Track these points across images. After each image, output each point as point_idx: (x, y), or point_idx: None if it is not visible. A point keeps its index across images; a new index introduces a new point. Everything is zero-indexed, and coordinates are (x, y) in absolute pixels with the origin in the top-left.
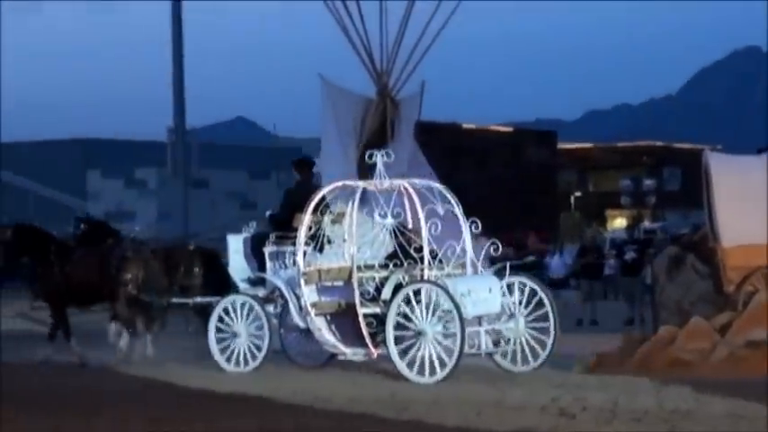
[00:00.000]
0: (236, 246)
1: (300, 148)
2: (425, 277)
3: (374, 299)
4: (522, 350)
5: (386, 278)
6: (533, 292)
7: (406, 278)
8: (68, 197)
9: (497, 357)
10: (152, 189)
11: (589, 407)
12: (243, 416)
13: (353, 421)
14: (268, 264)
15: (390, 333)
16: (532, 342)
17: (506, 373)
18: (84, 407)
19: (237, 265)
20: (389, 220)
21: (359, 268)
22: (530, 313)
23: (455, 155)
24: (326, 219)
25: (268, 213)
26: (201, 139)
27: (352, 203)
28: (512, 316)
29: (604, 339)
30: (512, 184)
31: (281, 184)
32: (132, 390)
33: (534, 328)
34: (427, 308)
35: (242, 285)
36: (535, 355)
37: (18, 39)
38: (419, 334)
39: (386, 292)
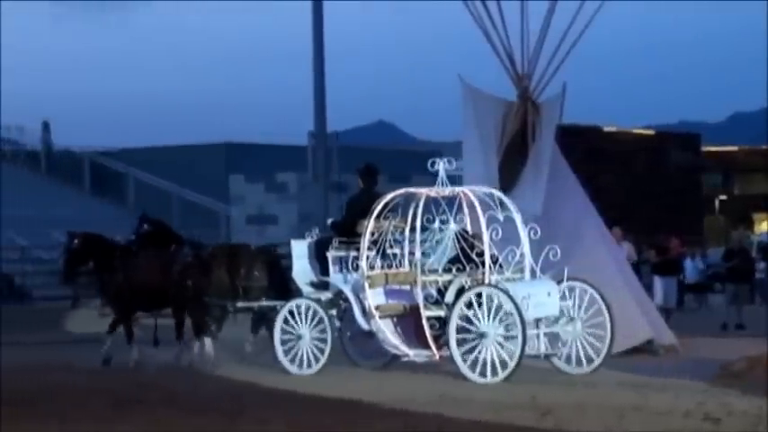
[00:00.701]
0: (299, 251)
1: (441, 152)
2: (487, 281)
3: (437, 302)
4: (579, 353)
5: (449, 282)
6: (592, 298)
7: (468, 282)
8: (211, 201)
9: (555, 359)
10: (293, 193)
11: (734, 411)
12: (382, 420)
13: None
14: (331, 268)
15: (453, 335)
16: (587, 346)
17: (648, 378)
18: (226, 409)
19: (301, 269)
20: (452, 226)
21: (423, 272)
22: (588, 318)
23: (596, 158)
24: (388, 225)
25: (330, 221)
26: (342, 142)
27: (416, 210)
28: (570, 320)
29: (751, 344)
30: (655, 188)
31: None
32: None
33: (591, 333)
34: (489, 310)
35: (305, 289)
36: (591, 359)
37: (165, 42)
38: (481, 336)
39: (449, 296)
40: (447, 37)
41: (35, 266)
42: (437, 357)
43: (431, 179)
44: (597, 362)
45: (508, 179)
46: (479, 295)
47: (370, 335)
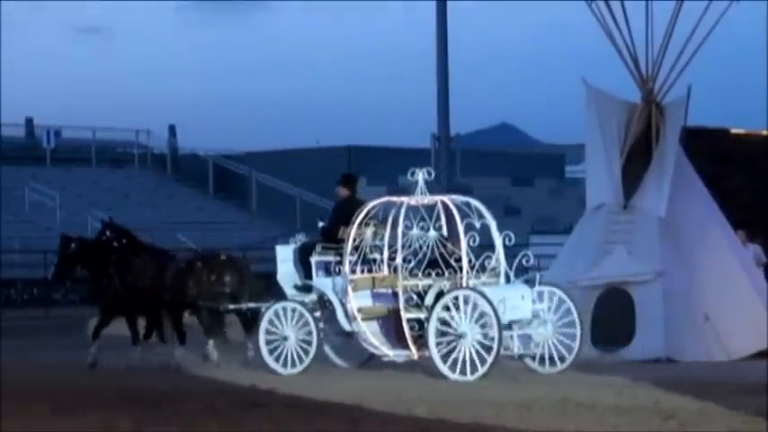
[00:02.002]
0: (283, 256)
1: (564, 155)
2: (464, 285)
3: (417, 305)
4: (551, 353)
5: (429, 286)
6: (561, 300)
7: (447, 286)
8: (333, 203)
9: (527, 359)
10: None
11: None
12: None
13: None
14: (314, 272)
15: (432, 336)
16: (560, 346)
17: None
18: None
19: (285, 273)
20: (432, 233)
21: (404, 277)
22: (558, 319)
23: (723, 160)
24: (369, 231)
25: (320, 225)
26: (465, 145)
27: (397, 217)
28: (541, 322)
29: None
30: None
31: (545, 191)
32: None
33: (562, 333)
34: (468, 313)
35: (289, 292)
36: (563, 358)
37: (288, 45)
38: (460, 337)
39: (428, 299)
40: (571, 38)
41: None
42: (416, 357)
43: (555, 182)
44: (568, 361)
45: (632, 181)
46: (458, 298)
47: (349, 336)
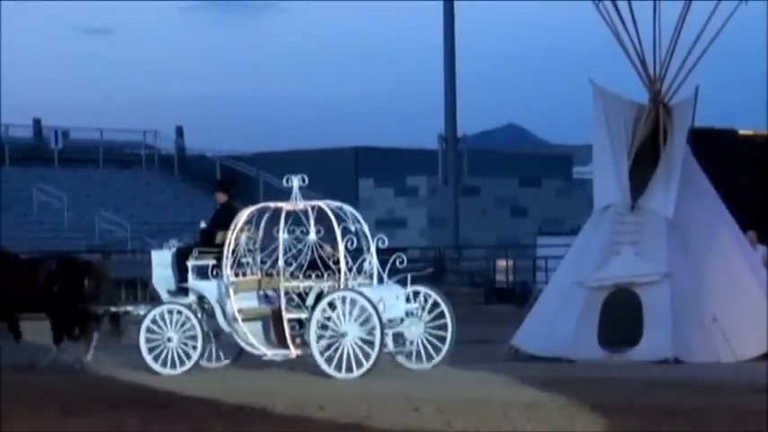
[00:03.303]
0: (158, 260)
1: (571, 156)
2: (343, 286)
3: (299, 305)
4: (420, 351)
5: (309, 287)
6: (434, 301)
7: (326, 287)
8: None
9: (399, 356)
10: (422, 197)
11: None
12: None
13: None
14: (191, 275)
15: (313, 335)
16: (428, 345)
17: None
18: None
19: (161, 277)
20: (312, 237)
21: (285, 279)
22: (431, 319)
23: (731, 161)
24: (243, 236)
25: (201, 227)
26: (472, 146)
27: (279, 222)
28: (413, 321)
29: None
30: None
31: (553, 192)
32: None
33: (433, 333)
34: (349, 313)
35: (164, 296)
36: (431, 356)
37: (296, 46)
38: (342, 335)
39: (310, 300)
40: (579, 39)
41: None
42: (293, 356)
43: (563, 182)
44: (438, 359)
45: (639, 182)
46: (340, 298)
47: (218, 336)
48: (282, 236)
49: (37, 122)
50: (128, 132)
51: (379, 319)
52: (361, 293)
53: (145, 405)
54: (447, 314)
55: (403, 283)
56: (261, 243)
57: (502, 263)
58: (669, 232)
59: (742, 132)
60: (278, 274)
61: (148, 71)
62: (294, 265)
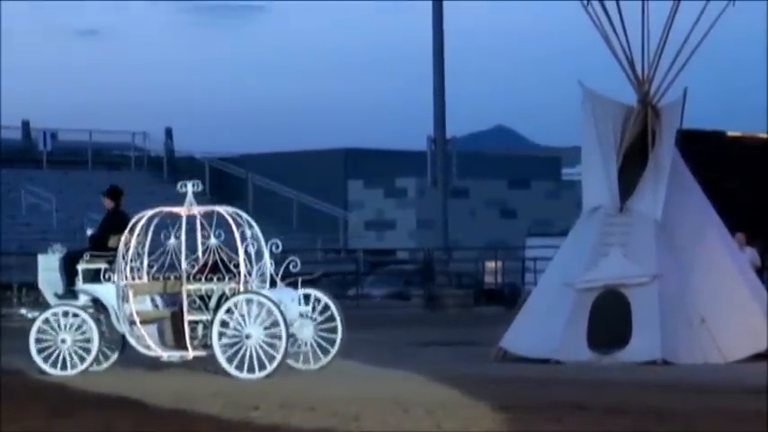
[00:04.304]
0: (45, 264)
1: (560, 157)
2: (243, 289)
3: (200, 308)
4: (310, 352)
5: (211, 290)
6: (324, 303)
7: (228, 290)
8: (330, 206)
9: (289, 358)
10: (411, 198)
11: None
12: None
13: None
14: (81, 279)
15: (216, 336)
16: (317, 348)
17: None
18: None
19: (47, 280)
20: (213, 240)
21: (187, 281)
22: (321, 322)
23: (720, 163)
24: (133, 240)
25: (89, 233)
26: (461, 148)
27: (177, 225)
28: (305, 323)
29: None
30: None
31: (542, 193)
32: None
33: (323, 335)
34: (253, 314)
35: (51, 299)
36: (318, 358)
37: (283, 47)
38: (247, 337)
39: (213, 302)
40: (567, 40)
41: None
42: (191, 357)
43: (552, 184)
44: (326, 360)
45: (628, 184)
46: (246, 301)
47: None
48: (183, 239)
49: (26, 124)
50: (117, 134)
51: (284, 320)
52: (265, 296)
53: (135, 407)
54: (337, 317)
55: (294, 286)
56: (148, 248)
57: (491, 264)
58: (658, 234)
59: (730, 134)
60: (177, 277)
61: (137, 72)
62: (196, 267)
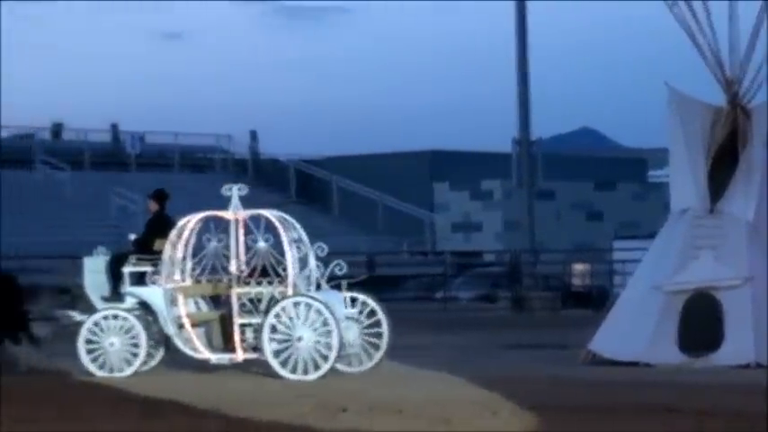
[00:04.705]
0: (91, 266)
1: (646, 159)
2: (291, 292)
3: (249, 311)
4: (358, 354)
5: (260, 293)
6: (370, 306)
7: (278, 293)
8: (416, 208)
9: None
10: (497, 200)
11: None
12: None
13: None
14: (128, 282)
15: (266, 339)
16: (363, 349)
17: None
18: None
19: (94, 283)
20: (262, 244)
21: (238, 284)
22: (367, 325)
23: None
24: (182, 243)
25: (132, 238)
26: (546, 149)
27: (231, 230)
28: (350, 326)
29: None
30: None
31: (628, 195)
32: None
33: (369, 338)
34: (306, 317)
35: (98, 302)
36: (368, 360)
37: (367, 50)
38: (298, 339)
39: (263, 305)
40: (654, 41)
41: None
42: (240, 359)
43: (638, 186)
44: (371, 364)
45: (717, 185)
46: (296, 304)
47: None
48: (233, 243)
49: (114, 127)
50: (202, 136)
51: (336, 322)
52: (317, 299)
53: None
54: (383, 320)
55: (339, 289)
56: (191, 251)
57: (578, 267)
58: (750, 235)
59: None
60: (221, 280)
61: (222, 75)
62: (246, 270)
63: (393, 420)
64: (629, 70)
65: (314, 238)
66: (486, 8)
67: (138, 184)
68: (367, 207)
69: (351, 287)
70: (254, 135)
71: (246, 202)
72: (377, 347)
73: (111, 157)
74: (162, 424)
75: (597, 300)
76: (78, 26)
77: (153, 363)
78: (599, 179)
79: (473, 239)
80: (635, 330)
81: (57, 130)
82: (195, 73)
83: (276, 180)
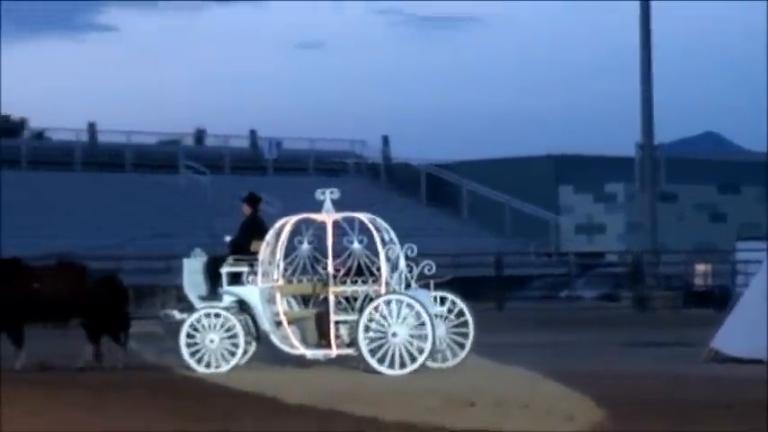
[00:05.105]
0: (190, 267)
1: None
2: (384, 291)
3: (345, 308)
4: (444, 350)
5: (355, 292)
6: (457, 305)
7: (372, 291)
8: (541, 210)
9: None
10: (620, 203)
11: None
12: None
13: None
14: (225, 282)
15: (362, 335)
16: (453, 344)
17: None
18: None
19: (192, 283)
20: (356, 246)
21: (334, 284)
22: (453, 322)
23: None
24: (280, 244)
25: (228, 239)
26: (669, 153)
27: (327, 232)
28: (437, 323)
29: None
30: None
31: (752, 198)
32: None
33: (455, 335)
34: (400, 314)
35: (196, 301)
36: (455, 356)
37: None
38: (393, 335)
39: (359, 303)
40: None
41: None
42: (333, 355)
43: (762, 189)
44: (459, 358)
45: None
46: (392, 301)
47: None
48: (330, 244)
49: (253, 133)
50: (337, 142)
51: (431, 319)
52: (410, 296)
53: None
54: (469, 320)
55: (427, 288)
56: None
57: (700, 267)
58: None
59: None
60: (319, 280)
61: (355, 83)
62: (342, 270)
63: (521, 416)
64: (754, 74)
65: (443, 239)
66: (610, 8)
67: (275, 187)
68: (495, 209)
69: (438, 287)
70: (386, 140)
71: (378, 204)
72: (462, 346)
73: (250, 161)
74: (294, 423)
75: (719, 299)
76: (220, 37)
77: (245, 358)
78: (722, 182)
79: (596, 241)
80: (759, 328)
81: (199, 136)
82: (331, 81)
83: (407, 184)
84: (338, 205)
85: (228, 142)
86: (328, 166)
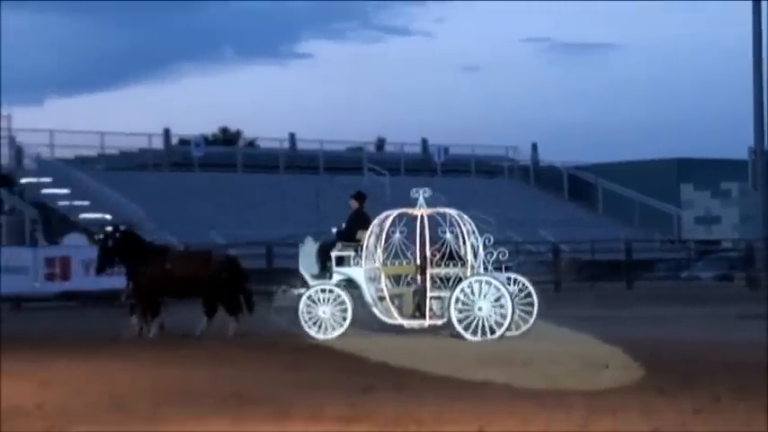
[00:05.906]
0: (305, 251)
1: None
2: (470, 273)
3: (439, 287)
4: (516, 321)
5: (447, 273)
6: (524, 285)
7: (461, 273)
8: (666, 205)
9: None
10: (735, 198)
11: None
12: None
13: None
14: (335, 264)
15: (453, 309)
16: (518, 318)
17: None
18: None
19: (307, 263)
20: (449, 235)
21: (430, 266)
22: (521, 299)
23: None
24: (384, 233)
25: (335, 230)
26: None
27: (422, 224)
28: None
29: None
30: None
31: None
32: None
33: (522, 309)
34: (485, 292)
35: (309, 279)
36: (519, 326)
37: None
38: (479, 309)
39: (452, 282)
40: None
41: (526, 257)
42: (426, 325)
43: None
44: (524, 328)
45: None
46: (478, 281)
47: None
48: (427, 234)
49: (424, 141)
50: (494, 148)
51: (511, 297)
52: (493, 276)
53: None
54: (534, 297)
55: (500, 270)
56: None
57: None
58: None
59: None
60: (419, 263)
61: (509, 98)
62: (437, 256)
63: (645, 375)
64: None
65: (582, 229)
66: (725, 20)
67: (444, 187)
68: (626, 204)
69: (508, 269)
70: (534, 146)
71: (528, 200)
72: (527, 317)
73: (422, 165)
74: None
75: None
76: (397, 62)
77: (343, 328)
78: None
79: (713, 231)
80: None
81: (380, 144)
82: (489, 97)
83: (552, 183)
84: (496, 201)
85: (404, 149)
86: (487, 169)
